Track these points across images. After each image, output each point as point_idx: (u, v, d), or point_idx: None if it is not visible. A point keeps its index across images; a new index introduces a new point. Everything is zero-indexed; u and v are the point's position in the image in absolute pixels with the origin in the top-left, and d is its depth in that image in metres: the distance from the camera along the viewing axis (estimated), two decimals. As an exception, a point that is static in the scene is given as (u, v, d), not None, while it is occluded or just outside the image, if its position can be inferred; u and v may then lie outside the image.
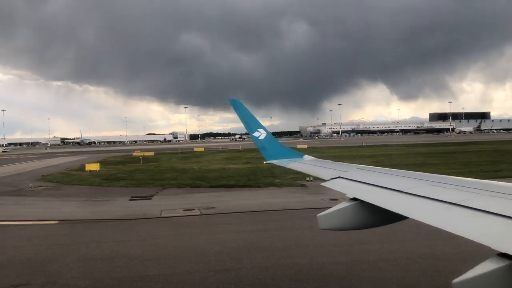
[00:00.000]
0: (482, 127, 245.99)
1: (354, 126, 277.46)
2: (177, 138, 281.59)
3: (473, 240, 3.15)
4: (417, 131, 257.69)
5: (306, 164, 9.14)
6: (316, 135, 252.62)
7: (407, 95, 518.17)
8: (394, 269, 10.96)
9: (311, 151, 52.45)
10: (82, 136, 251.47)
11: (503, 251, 2.90)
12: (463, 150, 66.47)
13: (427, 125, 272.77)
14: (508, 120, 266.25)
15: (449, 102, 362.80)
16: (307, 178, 27.58)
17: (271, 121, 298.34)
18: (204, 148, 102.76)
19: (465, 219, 3.65)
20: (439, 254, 11.66)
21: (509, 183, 4.70)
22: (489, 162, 41.84)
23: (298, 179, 29.35)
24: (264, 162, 10.21)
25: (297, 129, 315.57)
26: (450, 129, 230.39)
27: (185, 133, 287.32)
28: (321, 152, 61.82)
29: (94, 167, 45.76)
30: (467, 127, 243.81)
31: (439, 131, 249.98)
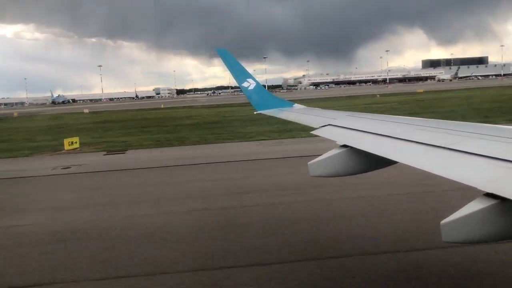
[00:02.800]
0: (462, 74, 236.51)
1: (334, 77, 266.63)
2: (159, 93, 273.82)
3: (461, 182, 3.24)
4: (401, 80, 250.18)
5: (296, 113, 9.17)
6: (294, 88, 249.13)
7: (446, 40, 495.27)
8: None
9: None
10: (54, 95, 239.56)
11: (489, 191, 3.01)
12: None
13: (414, 73, 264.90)
14: (504, 65, 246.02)
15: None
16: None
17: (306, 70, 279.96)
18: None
19: (453, 162, 3.75)
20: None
21: (498, 125, 4.84)
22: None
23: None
24: (255, 113, 10.18)
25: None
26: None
27: (167, 88, 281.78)
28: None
29: None
30: (446, 74, 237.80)
31: (424, 79, 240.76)
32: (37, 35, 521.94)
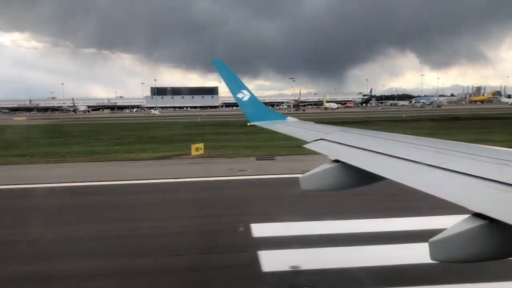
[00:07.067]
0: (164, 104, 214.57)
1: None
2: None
3: (450, 201, 3.21)
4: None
5: (289, 126, 9.18)
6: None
7: (437, 64, 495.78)
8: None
9: None
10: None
11: (478, 211, 2.99)
12: None
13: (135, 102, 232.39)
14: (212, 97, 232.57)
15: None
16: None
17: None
18: None
19: (442, 181, 3.74)
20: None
21: (489, 146, 4.83)
22: None
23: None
24: (248, 124, 10.16)
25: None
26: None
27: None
28: None
29: None
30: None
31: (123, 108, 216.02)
32: (35, 43, 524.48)
